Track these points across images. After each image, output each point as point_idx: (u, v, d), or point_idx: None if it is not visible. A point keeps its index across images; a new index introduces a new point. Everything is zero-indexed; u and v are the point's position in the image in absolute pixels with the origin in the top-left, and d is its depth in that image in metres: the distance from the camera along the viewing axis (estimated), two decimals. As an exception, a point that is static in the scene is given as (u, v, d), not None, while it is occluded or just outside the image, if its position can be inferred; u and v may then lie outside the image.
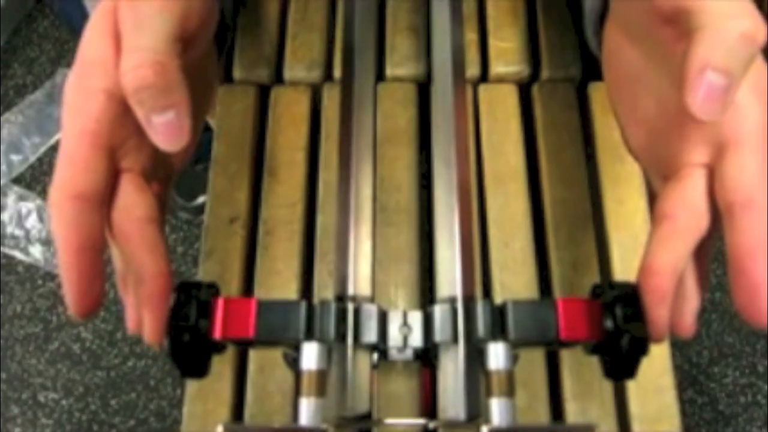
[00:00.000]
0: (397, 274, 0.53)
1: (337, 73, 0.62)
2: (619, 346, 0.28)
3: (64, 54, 1.21)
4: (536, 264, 0.54)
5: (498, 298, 0.52)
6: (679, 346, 0.92)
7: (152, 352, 0.93)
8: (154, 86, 0.30)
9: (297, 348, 0.32)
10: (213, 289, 0.32)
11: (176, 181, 1.01)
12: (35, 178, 1.09)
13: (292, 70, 0.62)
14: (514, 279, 0.53)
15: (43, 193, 1.08)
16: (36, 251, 1.01)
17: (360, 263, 0.43)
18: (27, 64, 1.21)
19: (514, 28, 0.62)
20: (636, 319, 0.28)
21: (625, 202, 0.57)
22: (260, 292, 0.52)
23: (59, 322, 0.97)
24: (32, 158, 1.11)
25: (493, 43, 0.62)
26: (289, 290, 0.53)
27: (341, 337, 0.33)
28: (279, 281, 0.53)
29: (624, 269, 0.54)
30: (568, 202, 0.57)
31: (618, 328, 0.28)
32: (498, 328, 0.32)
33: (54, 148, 1.11)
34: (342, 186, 0.48)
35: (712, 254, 0.33)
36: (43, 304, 0.99)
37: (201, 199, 0.97)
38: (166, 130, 0.31)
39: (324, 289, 0.52)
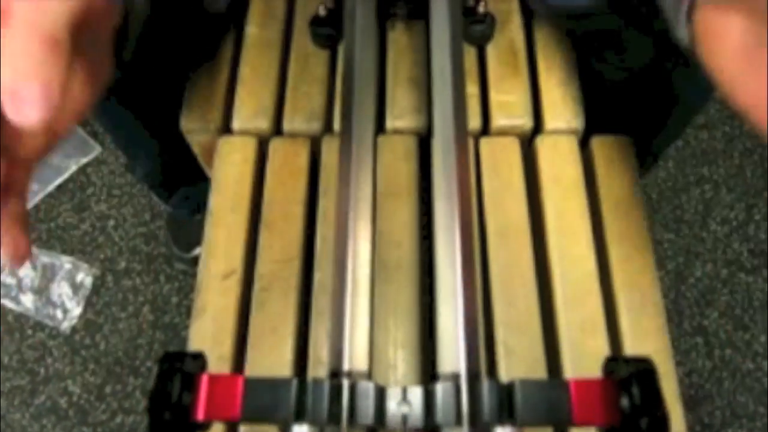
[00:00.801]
0: (397, 335, 0.51)
1: (337, 125, 0.61)
2: (638, 428, 0.25)
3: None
4: (542, 324, 0.52)
5: (502, 362, 0.50)
6: (690, 407, 0.89)
7: (142, 408, 0.90)
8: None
9: (286, 430, 0.30)
10: (199, 360, 0.30)
11: (174, 231, 1.00)
12: (30, 225, 1.08)
13: (291, 122, 0.61)
14: (518, 340, 0.51)
15: (38, 241, 1.06)
16: (27, 300, 0.99)
17: (356, 335, 0.40)
18: (28, 111, 1.21)
19: (515, 80, 0.62)
20: (654, 397, 0.26)
21: (633, 260, 0.55)
22: (254, 353, 0.50)
23: (47, 375, 0.94)
24: (29, 206, 1.10)
25: (495, 96, 0.61)
26: (284, 350, 0.50)
27: (335, 418, 0.31)
28: (274, 340, 0.51)
29: (633, 330, 0.52)
30: (574, 259, 0.55)
31: (636, 409, 0.26)
32: (505, 411, 0.29)
33: (51, 196, 1.10)
34: (339, 245, 0.47)
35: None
36: (31, 356, 0.96)
37: (198, 251, 0.95)
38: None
39: (320, 350, 0.50)
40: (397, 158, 0.59)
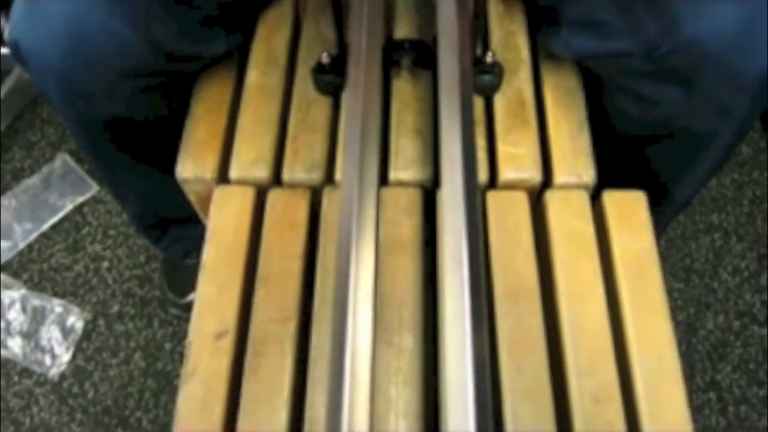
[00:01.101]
0: (399, 403, 0.48)
1: (339, 175, 0.59)
2: None
3: (66, 139, 1.20)
4: (552, 393, 0.49)
5: (512, 436, 0.46)
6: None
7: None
8: None
9: None
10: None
11: (169, 276, 0.97)
12: (22, 266, 1.05)
13: (291, 172, 0.59)
14: (528, 410, 0.48)
15: (29, 282, 1.04)
16: (15, 344, 0.96)
17: (356, 405, 0.37)
18: (27, 148, 1.20)
19: (524, 132, 0.60)
20: None
21: (649, 324, 0.52)
22: (244, 424, 0.47)
23: (32, 425, 0.90)
24: (21, 245, 1.08)
25: (502, 148, 0.59)
26: (278, 421, 0.47)
27: None
28: (267, 410, 0.47)
29: (650, 400, 0.49)
30: (586, 323, 0.52)
31: None
32: None
33: (45, 236, 1.08)
34: (338, 305, 0.44)
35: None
36: (17, 404, 0.92)
37: (192, 296, 0.92)
38: None
39: (317, 422, 0.46)
40: (401, 212, 0.57)
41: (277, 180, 0.59)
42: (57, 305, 1.01)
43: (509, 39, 0.64)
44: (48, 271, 1.05)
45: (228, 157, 0.60)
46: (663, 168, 0.64)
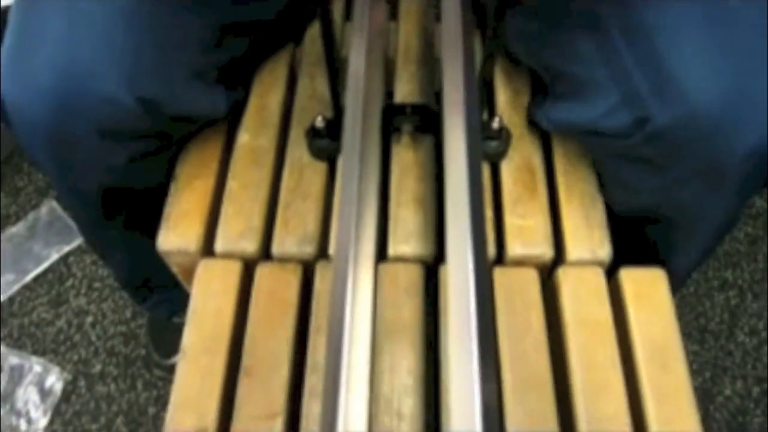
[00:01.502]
0: None
1: (333, 249, 0.54)
2: None
3: (54, 186, 1.16)
4: (570, 505, 0.43)
5: None
6: None
7: None
8: None
9: None
10: None
11: (154, 335, 0.92)
12: (2, 321, 1.00)
13: (282, 245, 0.54)
14: None
15: (8, 338, 0.98)
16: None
17: None
18: (13, 194, 1.16)
19: (533, 203, 0.56)
20: None
21: (674, 420, 0.47)
22: None
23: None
24: (2, 297, 1.03)
25: (510, 221, 0.55)
26: None
27: None
28: None
29: None
30: (604, 418, 0.47)
31: None
32: None
33: (28, 288, 1.03)
34: (328, 403, 0.39)
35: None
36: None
37: (177, 357, 0.86)
38: None
39: None
40: (400, 291, 0.52)
41: (266, 253, 0.55)
42: (36, 364, 0.95)
43: (515, 99, 0.61)
44: (29, 326, 1.00)
45: (214, 227, 0.55)
46: (654, 246, 0.60)
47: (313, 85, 0.63)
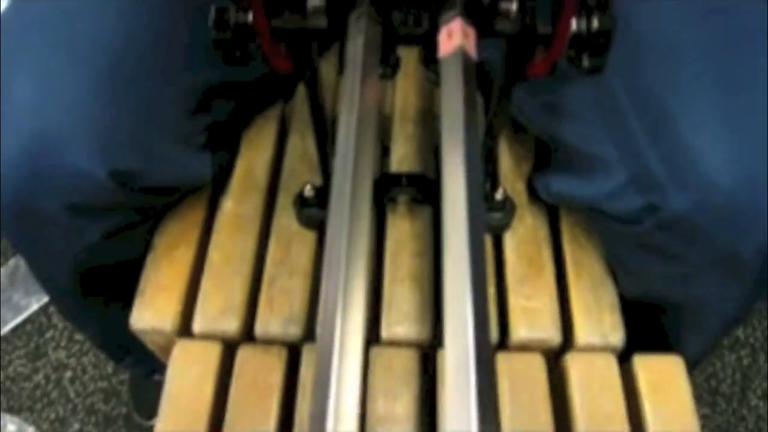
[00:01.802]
0: None
1: (317, 333, 0.50)
2: None
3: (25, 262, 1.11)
4: None
5: None
6: None
7: None
8: None
9: None
10: None
11: (135, 393, 0.86)
12: (-24, 376, 0.95)
13: (265, 325, 0.50)
14: None
15: (-17, 395, 0.93)
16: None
17: None
18: (-5, 237, 1.11)
19: (540, 281, 0.51)
20: None
21: None
22: None
23: None
24: (-22, 349, 0.97)
25: (515, 301, 0.50)
26: None
27: None
28: None
29: None
30: None
31: None
32: None
33: (5, 340, 0.98)
34: None
35: None
36: None
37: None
38: None
39: None
40: (394, 378, 0.47)
41: (248, 334, 0.50)
42: (10, 422, 0.90)
43: (520, 166, 0.57)
44: (5, 381, 0.94)
45: (193, 304, 0.51)
46: (663, 329, 0.55)
47: (304, 144, 0.59)
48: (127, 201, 0.47)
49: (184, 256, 0.54)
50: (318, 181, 0.53)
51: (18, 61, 0.41)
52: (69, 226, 0.46)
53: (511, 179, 0.56)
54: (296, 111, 0.62)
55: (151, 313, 0.51)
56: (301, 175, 0.57)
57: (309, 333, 0.50)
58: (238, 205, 0.56)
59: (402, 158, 0.57)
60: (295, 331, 0.50)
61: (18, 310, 1.01)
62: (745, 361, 0.95)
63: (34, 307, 1.01)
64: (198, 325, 0.50)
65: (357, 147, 0.45)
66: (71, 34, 0.40)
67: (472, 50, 0.31)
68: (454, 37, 0.31)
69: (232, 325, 0.50)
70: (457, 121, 0.31)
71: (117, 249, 0.51)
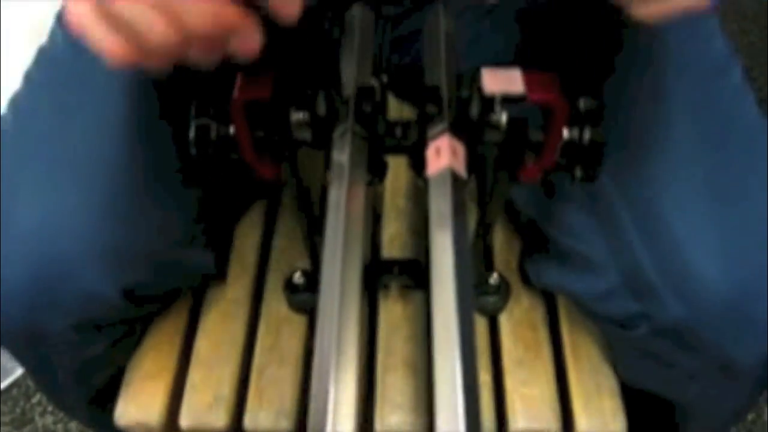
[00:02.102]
0: None
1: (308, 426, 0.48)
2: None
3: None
4: None
5: None
6: None
7: None
8: None
9: None
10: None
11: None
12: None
13: (255, 419, 0.48)
14: None
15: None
16: None
17: None
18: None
19: (536, 365, 0.50)
20: None
21: None
22: None
23: None
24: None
25: (511, 387, 0.49)
26: None
27: None
28: None
29: None
30: None
31: None
32: None
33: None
34: None
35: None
36: None
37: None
38: None
39: None
40: (389, 477, 0.46)
41: (237, 427, 0.49)
42: (-5, 494, 0.87)
43: (513, 245, 0.56)
44: (-10, 448, 0.92)
45: (180, 396, 0.49)
46: (662, 417, 0.54)
47: (293, 222, 0.58)
48: (137, 313, 0.46)
49: (171, 344, 0.52)
50: (307, 262, 0.52)
51: (19, 182, 0.39)
52: (75, 341, 0.44)
53: (506, 257, 0.55)
54: (287, 186, 0.61)
55: (136, 407, 0.49)
56: (291, 256, 0.55)
57: (301, 426, 0.48)
58: (226, 289, 0.54)
59: (393, 236, 0.56)
60: (285, 424, 0.48)
61: (5, 373, 0.98)
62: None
63: (20, 371, 0.98)
64: (185, 420, 0.48)
65: (348, 225, 0.44)
66: (72, 154, 0.39)
67: (461, 169, 0.30)
68: (443, 155, 0.30)
69: (220, 419, 0.48)
70: (445, 239, 0.30)
71: (120, 355, 0.50)
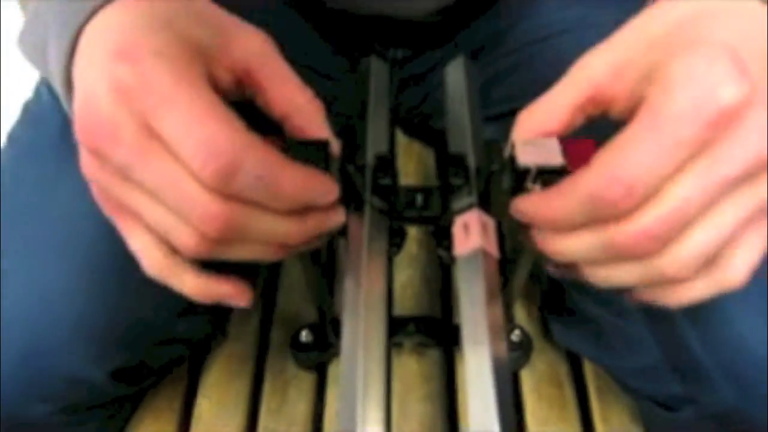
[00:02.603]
0: None
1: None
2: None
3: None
4: None
5: None
6: None
7: None
8: None
9: None
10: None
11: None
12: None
13: (261, 491, 0.45)
14: None
15: None
16: None
17: None
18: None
19: (564, 426, 0.47)
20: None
21: None
22: None
23: None
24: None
25: (538, 451, 0.46)
26: None
27: None
28: None
29: None
30: None
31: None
32: None
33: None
34: None
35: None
36: None
37: None
38: None
39: None
40: None
41: (242, 500, 0.45)
42: None
43: (533, 288, 0.52)
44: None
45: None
46: None
47: (298, 275, 0.55)
48: (131, 390, 0.43)
49: (170, 405, 0.48)
50: (312, 316, 0.49)
51: (1, 264, 0.36)
52: (66, 422, 0.41)
53: (526, 306, 0.51)
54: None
55: (133, 478, 0.46)
56: (295, 311, 0.52)
57: (310, 499, 0.45)
58: (229, 343, 0.51)
59: (405, 284, 0.53)
60: (294, 496, 0.45)
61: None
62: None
63: None
64: (184, 493, 0.45)
65: (370, 277, 0.40)
66: (56, 232, 0.35)
67: (493, 248, 0.27)
68: (472, 234, 0.27)
69: (222, 492, 0.45)
70: (478, 328, 0.27)
71: (116, 426, 0.46)
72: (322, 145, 0.26)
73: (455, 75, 0.32)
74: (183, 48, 0.23)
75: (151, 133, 0.22)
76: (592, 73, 0.25)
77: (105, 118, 0.22)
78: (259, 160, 0.22)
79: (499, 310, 0.27)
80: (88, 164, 0.24)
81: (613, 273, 0.25)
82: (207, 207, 0.22)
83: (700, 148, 0.21)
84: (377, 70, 0.32)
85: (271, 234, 0.24)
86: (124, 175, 0.23)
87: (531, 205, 0.25)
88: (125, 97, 0.22)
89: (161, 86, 0.22)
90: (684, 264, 0.23)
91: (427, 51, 0.49)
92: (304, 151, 0.25)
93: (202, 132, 0.21)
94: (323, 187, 0.25)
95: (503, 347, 0.28)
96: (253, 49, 0.25)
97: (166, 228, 0.24)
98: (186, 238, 0.24)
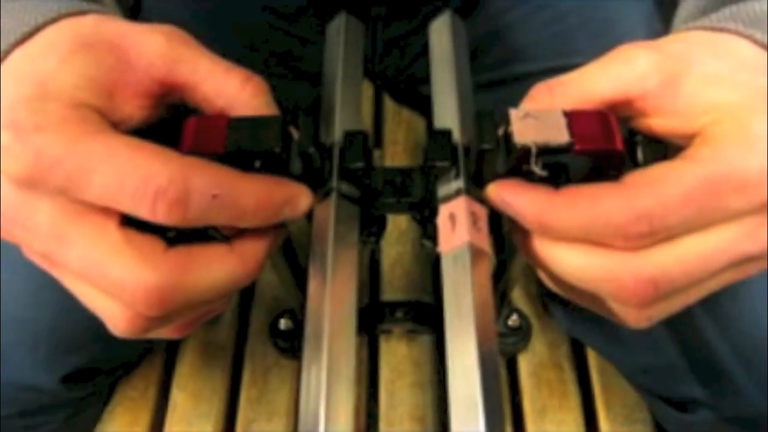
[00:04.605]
0: None
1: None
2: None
3: None
4: None
5: None
6: None
7: None
8: None
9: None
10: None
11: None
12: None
13: (241, 487, 0.42)
14: None
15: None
16: None
17: None
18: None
19: (563, 413, 0.44)
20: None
21: None
22: None
23: None
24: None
25: (536, 439, 0.43)
26: None
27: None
28: None
29: None
30: None
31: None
32: None
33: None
34: None
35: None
36: None
37: None
38: None
39: None
40: None
41: (222, 496, 0.43)
42: None
43: (533, 275, 0.49)
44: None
45: (154, 461, 0.43)
46: None
47: (277, 259, 0.51)
48: (83, 393, 0.39)
49: (144, 399, 0.45)
50: (294, 302, 0.45)
51: None
52: (23, 425, 0.38)
53: (525, 285, 0.48)
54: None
55: (105, 476, 0.43)
56: (276, 295, 0.48)
57: (294, 494, 0.42)
58: (206, 332, 0.47)
59: (395, 261, 0.49)
60: (276, 491, 0.42)
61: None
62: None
63: None
64: (161, 490, 0.42)
65: (337, 263, 0.37)
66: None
67: (484, 243, 0.23)
68: (459, 225, 0.23)
69: (201, 487, 0.42)
70: (467, 340, 0.23)
71: (85, 421, 0.43)
72: (276, 122, 0.22)
73: (440, 34, 0.27)
74: (70, 109, 0.19)
75: (70, 208, 0.19)
76: (641, 73, 0.21)
77: (13, 210, 0.20)
78: (208, 179, 0.20)
79: (490, 316, 0.23)
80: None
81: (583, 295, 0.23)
82: (137, 283, 0.19)
83: (741, 216, 0.19)
84: (351, 30, 0.28)
85: (220, 285, 0.22)
86: (50, 259, 0.21)
87: (532, 205, 0.21)
88: (29, 181, 0.19)
89: (68, 155, 0.19)
90: (656, 317, 0.21)
91: (412, 6, 0.44)
92: (253, 133, 0.21)
93: (134, 176, 0.19)
94: (290, 191, 0.22)
95: (493, 346, 0.25)
96: (158, 51, 0.21)
97: (97, 309, 0.21)
98: (119, 318, 0.21)
